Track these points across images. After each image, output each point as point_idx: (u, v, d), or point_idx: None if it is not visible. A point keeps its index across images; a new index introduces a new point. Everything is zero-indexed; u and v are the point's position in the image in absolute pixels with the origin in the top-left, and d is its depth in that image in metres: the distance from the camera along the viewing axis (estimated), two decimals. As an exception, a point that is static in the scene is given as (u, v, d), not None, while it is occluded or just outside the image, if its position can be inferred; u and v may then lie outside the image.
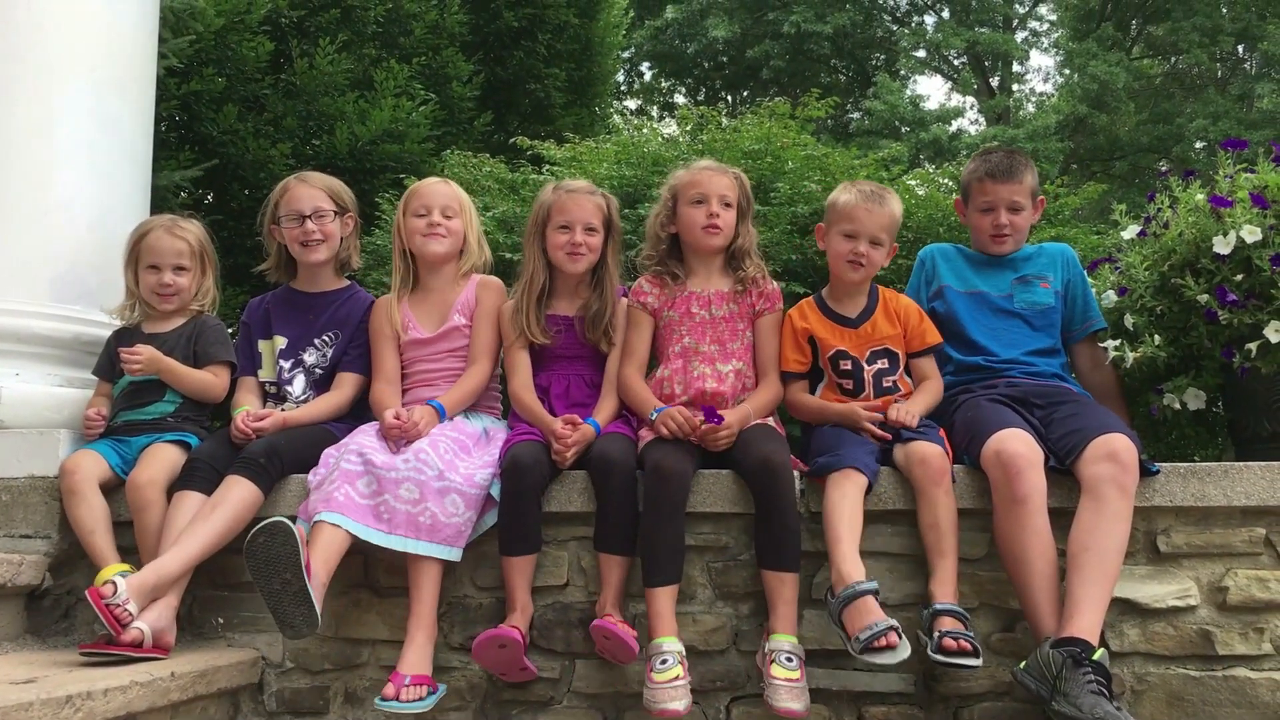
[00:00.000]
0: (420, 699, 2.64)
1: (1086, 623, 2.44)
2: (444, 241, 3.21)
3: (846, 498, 2.68)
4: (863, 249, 3.01)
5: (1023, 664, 2.52)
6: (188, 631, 2.93)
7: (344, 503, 2.73)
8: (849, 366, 3.03)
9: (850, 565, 2.57)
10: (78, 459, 2.99)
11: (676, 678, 2.57)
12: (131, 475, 2.95)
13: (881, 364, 3.04)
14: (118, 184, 3.51)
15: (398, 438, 2.88)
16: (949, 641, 2.50)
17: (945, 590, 2.64)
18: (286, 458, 2.94)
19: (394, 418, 2.90)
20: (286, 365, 3.26)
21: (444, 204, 3.23)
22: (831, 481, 2.72)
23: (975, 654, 2.51)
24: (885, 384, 3.02)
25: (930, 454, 2.72)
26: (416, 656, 2.71)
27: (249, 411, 3.06)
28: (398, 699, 2.60)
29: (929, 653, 2.54)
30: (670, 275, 3.12)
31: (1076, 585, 2.50)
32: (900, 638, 2.46)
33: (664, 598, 2.69)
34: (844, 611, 2.52)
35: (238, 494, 2.83)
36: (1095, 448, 2.61)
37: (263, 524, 2.54)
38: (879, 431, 2.86)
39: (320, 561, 2.63)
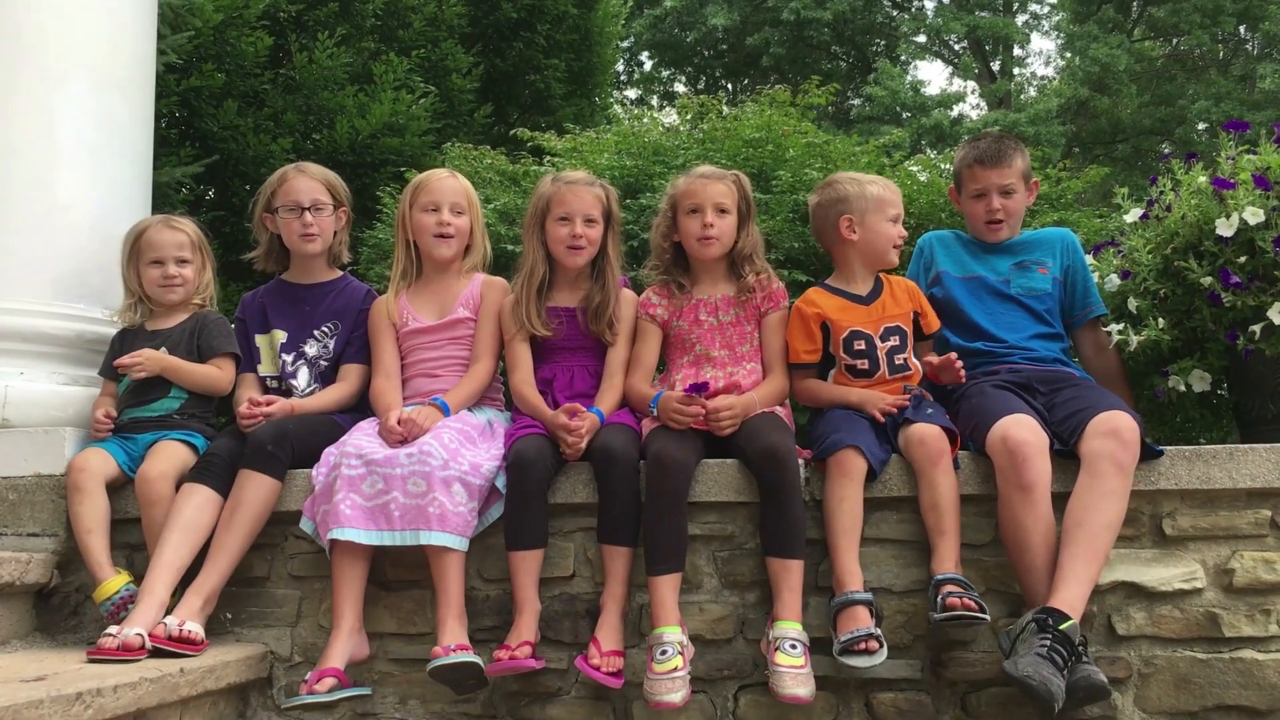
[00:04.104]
0: (469, 652, 2.70)
1: (1068, 596, 2.47)
2: (453, 243, 3.21)
3: (845, 500, 2.69)
4: (903, 231, 3.11)
5: (1009, 628, 2.56)
6: (197, 627, 2.94)
7: (351, 515, 2.76)
8: (863, 346, 3.01)
9: (847, 573, 2.66)
10: (86, 456, 3.00)
11: (675, 669, 2.58)
12: (142, 469, 2.96)
13: (894, 341, 3.03)
14: (119, 182, 3.51)
15: (401, 439, 2.87)
16: (954, 600, 2.50)
17: (945, 564, 2.63)
18: (296, 442, 2.94)
19: (396, 423, 2.89)
20: (289, 359, 3.27)
21: (453, 200, 3.21)
22: (830, 476, 2.72)
23: (981, 610, 2.50)
24: (897, 361, 3.01)
25: (928, 435, 2.73)
26: (453, 636, 2.74)
27: (253, 397, 3.07)
28: (446, 657, 2.66)
29: (933, 616, 2.54)
30: (677, 285, 3.12)
31: (1065, 559, 2.52)
32: (880, 645, 2.56)
33: (666, 587, 2.69)
34: (838, 615, 2.63)
35: (253, 492, 2.84)
36: (1097, 424, 2.61)
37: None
38: (879, 416, 2.85)
39: (350, 601, 2.82)
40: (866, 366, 3.02)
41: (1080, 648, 2.44)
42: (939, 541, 2.67)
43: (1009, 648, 2.50)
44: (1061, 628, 2.39)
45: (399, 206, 3.32)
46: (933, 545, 2.69)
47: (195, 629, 2.71)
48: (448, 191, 3.22)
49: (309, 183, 3.29)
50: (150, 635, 2.63)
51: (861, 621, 2.59)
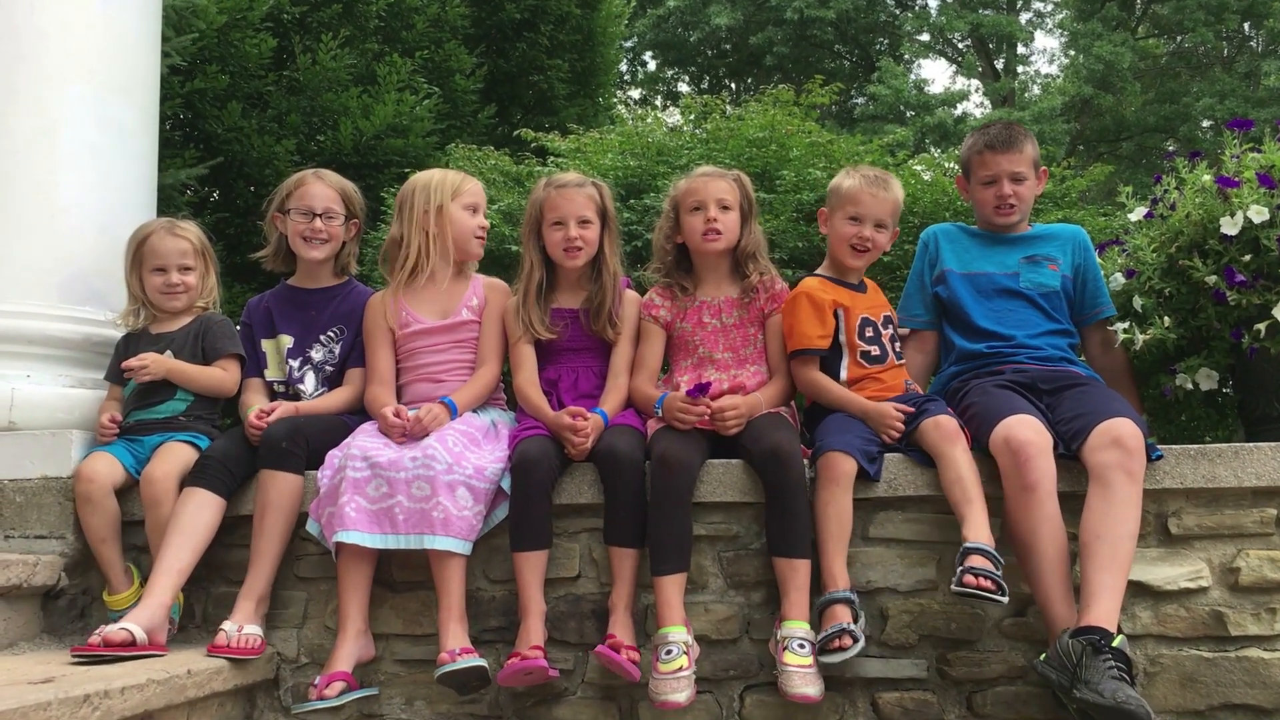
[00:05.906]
0: (474, 655, 2.72)
1: (1103, 611, 2.44)
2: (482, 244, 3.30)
3: (829, 504, 2.69)
4: (867, 233, 3.02)
5: (1042, 656, 2.51)
6: (203, 629, 2.95)
7: (356, 518, 2.76)
8: (872, 333, 3.01)
9: (829, 575, 2.68)
10: (94, 465, 3.00)
11: (680, 668, 2.59)
12: (146, 470, 2.97)
13: (891, 328, 3.05)
14: (124, 185, 3.51)
15: (401, 435, 2.88)
16: (969, 578, 2.46)
17: (976, 532, 2.57)
18: (310, 437, 2.95)
19: (394, 415, 2.90)
20: (295, 364, 3.27)
21: (480, 201, 3.30)
22: (817, 479, 2.72)
23: (1000, 591, 2.45)
24: (896, 348, 3.04)
25: (943, 419, 2.75)
26: (456, 639, 2.75)
27: (260, 408, 3.08)
28: (454, 663, 2.68)
29: (951, 587, 2.51)
30: (680, 287, 3.13)
31: (1091, 574, 2.49)
32: (854, 640, 2.58)
33: (671, 586, 2.69)
34: (822, 613, 2.66)
35: (277, 491, 2.87)
36: (1100, 434, 2.60)
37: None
38: (896, 436, 2.84)
39: (356, 603, 2.83)
40: (878, 353, 3.00)
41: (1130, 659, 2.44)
42: (967, 510, 2.62)
43: (1067, 679, 2.39)
44: (1114, 645, 2.38)
45: (418, 204, 3.19)
46: (962, 516, 2.63)
47: (255, 631, 2.78)
48: (479, 194, 3.29)
49: (325, 190, 3.31)
50: (212, 644, 2.71)
51: (839, 618, 2.60)
